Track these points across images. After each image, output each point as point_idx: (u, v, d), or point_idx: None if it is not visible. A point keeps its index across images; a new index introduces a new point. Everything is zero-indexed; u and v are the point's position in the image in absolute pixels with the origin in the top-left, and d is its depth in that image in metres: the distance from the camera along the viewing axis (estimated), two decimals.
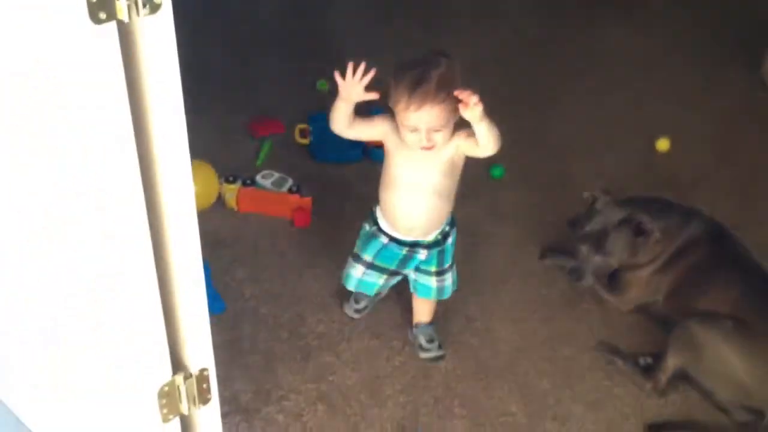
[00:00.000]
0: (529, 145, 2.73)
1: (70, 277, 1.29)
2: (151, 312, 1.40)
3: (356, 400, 1.86)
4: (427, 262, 1.87)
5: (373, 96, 1.64)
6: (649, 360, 1.93)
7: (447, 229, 1.86)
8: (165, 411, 1.52)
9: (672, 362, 1.88)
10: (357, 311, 2.07)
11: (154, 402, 1.49)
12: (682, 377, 1.90)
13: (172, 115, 1.18)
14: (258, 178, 2.45)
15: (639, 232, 2.00)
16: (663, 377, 1.87)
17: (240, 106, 2.84)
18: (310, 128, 2.66)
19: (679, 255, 2.01)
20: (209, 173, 2.35)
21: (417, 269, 1.90)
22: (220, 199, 2.40)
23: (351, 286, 1.96)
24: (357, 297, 2.07)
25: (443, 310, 2.07)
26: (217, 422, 1.65)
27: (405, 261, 1.87)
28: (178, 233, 1.38)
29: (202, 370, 1.54)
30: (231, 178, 2.40)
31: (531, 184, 2.57)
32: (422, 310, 2.01)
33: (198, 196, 2.29)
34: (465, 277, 2.21)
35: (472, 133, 1.66)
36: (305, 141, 2.66)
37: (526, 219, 2.43)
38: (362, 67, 1.62)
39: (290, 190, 2.38)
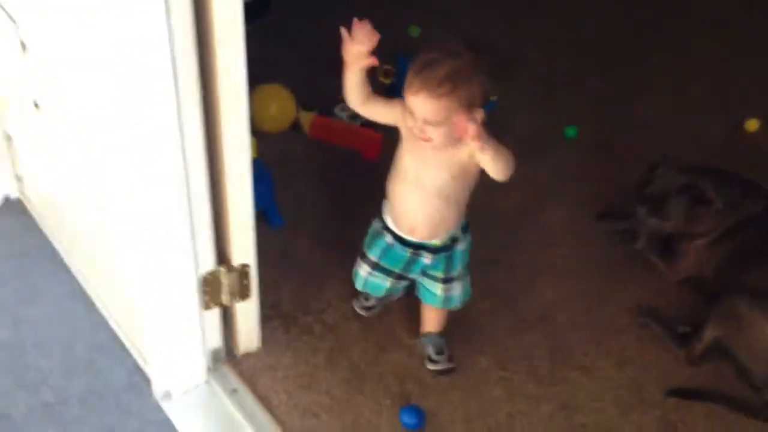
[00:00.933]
0: (610, 111, 2.72)
1: (134, 165, 1.42)
2: (199, 203, 1.53)
3: (390, 321, 1.95)
4: (433, 266, 1.75)
5: (373, 62, 1.52)
6: (687, 329, 1.91)
7: (457, 234, 1.72)
8: (206, 299, 1.66)
9: (710, 333, 1.85)
10: (365, 308, 1.95)
11: (197, 289, 1.62)
12: (717, 351, 1.87)
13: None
14: (336, 109, 2.54)
15: (700, 200, 1.97)
16: (698, 347, 1.86)
17: (329, 42, 2.93)
18: (395, 69, 2.75)
19: (737, 229, 1.97)
20: (287, 98, 2.46)
21: (424, 273, 1.78)
22: (297, 125, 2.53)
23: (359, 286, 1.85)
24: (367, 294, 1.94)
25: (488, 259, 2.12)
26: (254, 319, 1.78)
27: (410, 264, 1.74)
28: (230, 134, 1.49)
29: (244, 266, 1.67)
30: (309, 106, 2.51)
31: (603, 148, 2.55)
32: (430, 319, 1.87)
33: (274, 119, 2.48)
34: (516, 228, 2.27)
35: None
36: (388, 81, 2.74)
37: (590, 181, 2.42)
38: (366, 25, 1.50)
39: (363, 124, 2.46)
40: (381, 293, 1.85)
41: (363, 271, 1.81)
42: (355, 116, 2.52)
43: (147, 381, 1.75)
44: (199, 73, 1.39)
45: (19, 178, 2.13)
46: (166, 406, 1.72)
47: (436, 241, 1.70)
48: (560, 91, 2.85)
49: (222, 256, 1.66)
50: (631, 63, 3.00)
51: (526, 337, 1.94)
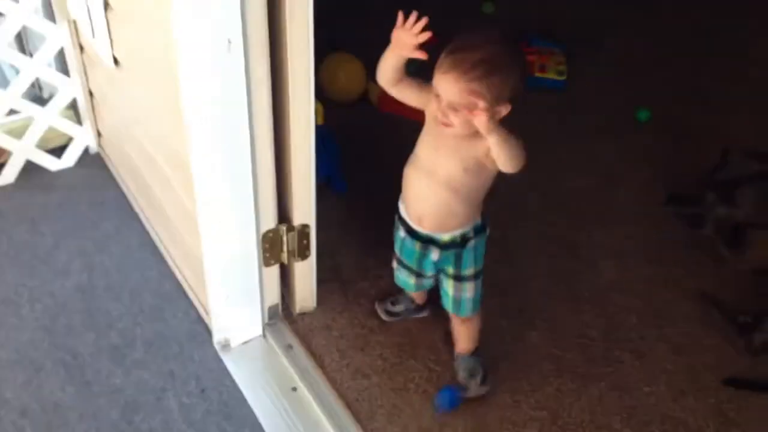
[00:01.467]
0: (685, 96, 2.67)
1: (203, 124, 1.48)
2: (263, 163, 1.59)
3: None
4: (442, 262, 1.66)
5: (422, 55, 1.44)
6: (749, 319, 1.87)
7: (469, 234, 1.62)
8: (267, 255, 1.72)
9: None
10: (388, 313, 1.89)
11: (258, 245, 1.68)
12: None
13: None
14: None
15: None
16: (758, 337, 1.82)
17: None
18: None
19: None
20: (358, 69, 2.50)
21: (439, 270, 1.70)
22: (367, 97, 2.57)
23: (396, 279, 1.80)
24: (396, 299, 1.90)
25: (552, 237, 2.11)
26: (312, 278, 1.83)
27: (420, 259, 1.67)
28: (296, 99, 1.54)
29: (304, 226, 1.72)
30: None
31: (675, 132, 2.51)
32: (459, 336, 1.78)
33: (343, 89, 2.52)
34: (582, 209, 2.26)
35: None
36: None
37: (660, 165, 2.39)
38: (414, 17, 1.42)
39: None
40: (411, 289, 1.82)
41: (394, 263, 1.77)
42: None
43: (208, 331, 1.82)
44: (268, 35, 1.43)
45: (99, 133, 2.24)
46: (224, 356, 1.79)
47: (444, 236, 1.62)
48: (636, 73, 2.80)
49: (283, 215, 1.71)
50: (710, 49, 2.93)
51: (581, 316, 1.93)
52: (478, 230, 1.65)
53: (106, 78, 2.00)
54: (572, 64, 2.75)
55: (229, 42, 1.37)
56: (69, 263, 1.99)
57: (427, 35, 1.40)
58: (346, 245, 2.06)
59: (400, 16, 1.43)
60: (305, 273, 1.81)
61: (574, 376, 1.79)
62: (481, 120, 1.38)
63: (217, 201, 1.58)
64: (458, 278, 1.68)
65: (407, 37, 1.43)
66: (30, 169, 2.19)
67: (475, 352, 1.78)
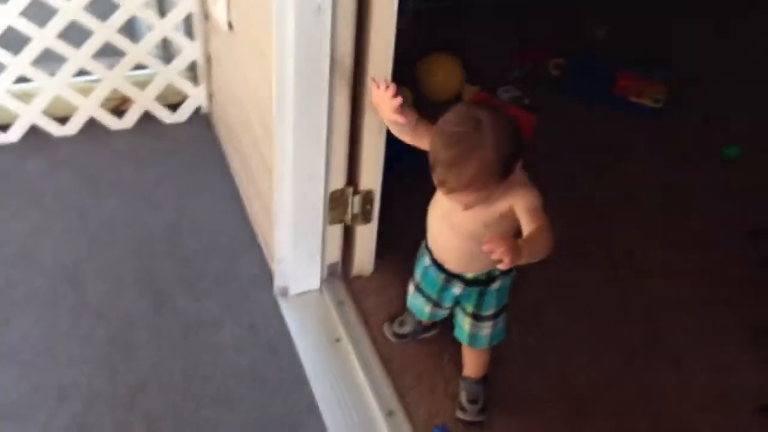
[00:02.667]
0: None
1: (290, 87, 1.63)
2: (338, 128, 1.74)
3: None
4: (464, 298, 1.62)
5: (401, 119, 1.47)
6: None
7: (495, 272, 1.58)
8: (332, 214, 1.86)
9: None
10: (396, 335, 1.87)
11: (325, 203, 1.83)
12: None
13: None
14: (499, 90, 2.67)
15: None
16: None
17: (513, 30, 3.05)
18: (565, 64, 2.82)
19: None
20: (456, 70, 2.63)
21: (457, 303, 1.67)
22: (460, 98, 2.69)
23: (407, 303, 1.77)
24: (403, 319, 1.87)
25: (621, 249, 2.16)
26: (372, 243, 1.97)
27: (442, 291, 1.63)
28: (376, 68, 1.67)
29: (369, 191, 1.85)
30: (474, 81, 2.66)
31: (763, 173, 2.48)
32: (469, 362, 1.75)
33: (440, 88, 2.66)
34: (656, 228, 2.28)
35: (533, 209, 1.40)
36: (556, 73, 2.82)
37: (742, 202, 2.37)
38: (384, 84, 1.46)
39: (517, 104, 2.57)
40: (423, 317, 1.76)
41: (410, 288, 1.74)
42: (517, 99, 2.65)
43: (270, 278, 1.98)
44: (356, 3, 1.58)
45: (211, 95, 2.47)
46: (281, 301, 1.94)
47: (468, 275, 1.58)
48: (735, 112, 2.79)
49: (351, 178, 1.85)
50: None
51: (629, 320, 1.97)
52: (507, 272, 1.57)
53: (221, 43, 2.23)
54: (675, 97, 2.77)
55: (319, 7, 1.54)
56: (163, 202, 2.21)
57: (399, 101, 1.44)
58: (411, 222, 2.16)
59: (372, 82, 1.49)
60: (366, 237, 1.95)
61: (609, 375, 1.84)
62: (505, 262, 1.27)
63: (293, 156, 1.74)
64: (477, 317, 1.64)
65: (384, 102, 1.47)
66: (147, 119, 2.45)
67: (482, 379, 1.75)
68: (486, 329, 1.66)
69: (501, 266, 1.28)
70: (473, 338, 1.67)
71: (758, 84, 2.87)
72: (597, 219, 2.29)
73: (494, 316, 1.65)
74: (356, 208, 1.87)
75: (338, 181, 1.83)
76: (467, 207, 1.43)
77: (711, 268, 2.15)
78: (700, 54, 3.01)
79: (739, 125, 2.70)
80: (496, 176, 1.36)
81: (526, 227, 1.39)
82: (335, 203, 1.85)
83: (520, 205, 1.42)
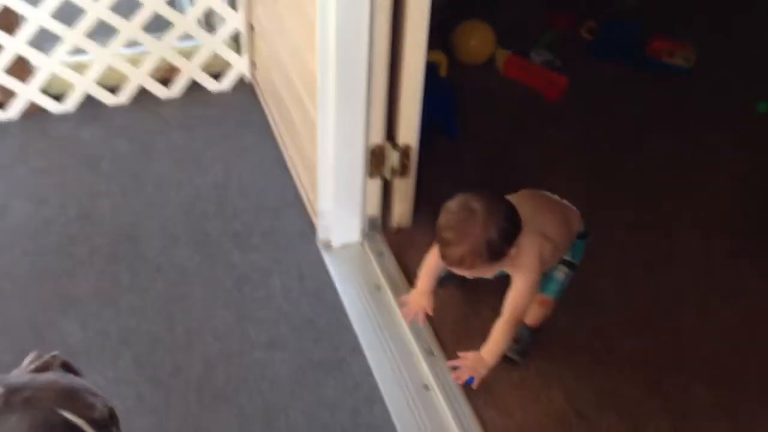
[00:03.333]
0: None
1: (333, 48, 1.74)
2: (378, 86, 1.84)
3: None
4: None
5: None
6: None
7: (558, 264, 1.78)
8: (372, 168, 1.97)
9: None
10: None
11: (365, 157, 1.93)
12: None
13: None
14: (531, 53, 2.74)
15: None
16: None
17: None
18: (597, 27, 2.88)
19: None
20: (488, 34, 2.71)
21: None
22: (493, 62, 2.77)
23: None
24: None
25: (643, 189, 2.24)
26: (410, 196, 2.07)
27: None
28: (412, 35, 1.77)
29: (407, 146, 1.95)
30: (507, 45, 2.73)
31: None
32: (530, 309, 1.83)
33: (473, 52, 2.74)
34: (682, 182, 2.36)
35: (519, 292, 1.64)
36: (589, 37, 2.88)
37: None
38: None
39: (550, 67, 2.64)
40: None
41: None
42: (549, 62, 2.72)
43: (314, 232, 2.10)
44: None
45: (254, 64, 2.58)
46: (325, 254, 2.06)
47: None
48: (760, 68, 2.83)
49: (390, 134, 1.95)
50: None
51: (656, 272, 2.04)
52: (566, 262, 1.78)
53: (264, 11, 2.33)
54: (704, 57, 2.81)
55: None
56: (212, 165, 2.34)
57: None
58: (449, 180, 2.26)
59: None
60: (404, 191, 2.05)
61: (636, 319, 1.92)
62: (475, 383, 1.64)
63: (335, 111, 1.84)
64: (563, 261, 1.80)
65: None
66: (194, 87, 2.57)
67: (533, 327, 1.83)
68: (560, 272, 1.79)
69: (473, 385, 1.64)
70: (546, 278, 1.78)
71: None
72: (623, 175, 2.37)
73: (568, 264, 1.79)
74: (395, 163, 1.97)
75: (378, 137, 1.93)
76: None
77: (735, 219, 2.22)
78: (727, 18, 3.05)
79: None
80: (484, 259, 1.57)
81: (505, 308, 1.66)
82: (375, 158, 1.95)
83: (516, 282, 1.67)
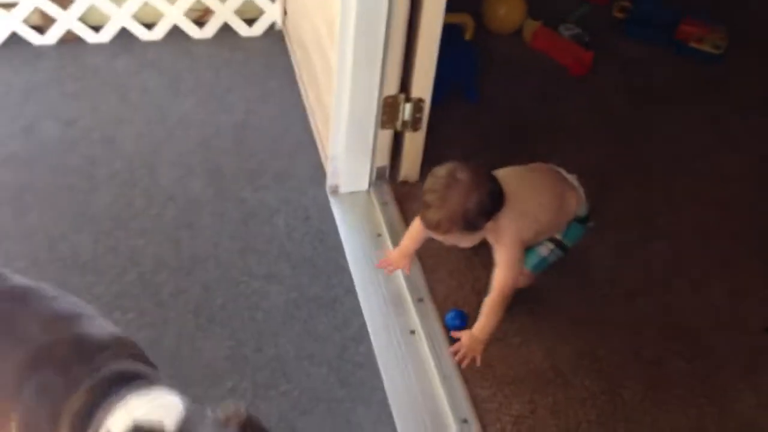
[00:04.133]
0: None
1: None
2: (395, 38, 1.88)
3: None
4: None
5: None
6: None
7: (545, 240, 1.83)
8: (384, 119, 2.02)
9: None
10: None
11: (378, 107, 1.98)
12: None
13: None
14: (561, 27, 2.75)
15: None
16: None
17: None
18: (631, 6, 2.87)
19: None
20: (519, 4, 2.72)
21: None
22: (521, 32, 2.79)
23: None
24: None
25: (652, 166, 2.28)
26: (419, 150, 2.11)
27: None
28: None
29: (420, 100, 2.00)
30: (536, 16, 2.74)
31: None
32: None
33: (502, 21, 2.76)
34: (694, 163, 2.37)
35: (503, 263, 1.69)
36: (621, 16, 2.88)
37: None
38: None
39: (578, 41, 2.65)
40: None
41: None
42: (577, 36, 2.72)
43: (325, 177, 2.16)
44: None
45: (285, 12, 2.64)
46: (332, 198, 2.12)
47: None
48: None
49: (404, 87, 2.00)
50: None
51: (654, 243, 2.07)
52: (578, 219, 1.82)
53: None
54: (735, 44, 2.79)
55: None
56: (234, 105, 2.41)
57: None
58: (460, 141, 2.31)
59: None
60: (414, 144, 2.09)
61: (626, 287, 1.96)
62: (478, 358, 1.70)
63: (352, 60, 1.89)
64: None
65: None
66: (226, 30, 2.64)
67: None
68: (544, 249, 1.83)
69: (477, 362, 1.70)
70: (526, 252, 1.80)
71: None
72: (636, 152, 2.39)
73: (555, 243, 1.83)
74: (407, 115, 2.02)
75: (392, 88, 1.97)
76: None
77: (741, 202, 2.24)
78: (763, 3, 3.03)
79: None
80: (460, 227, 1.63)
81: (493, 287, 1.72)
82: (388, 108, 2.00)
83: (498, 260, 1.72)
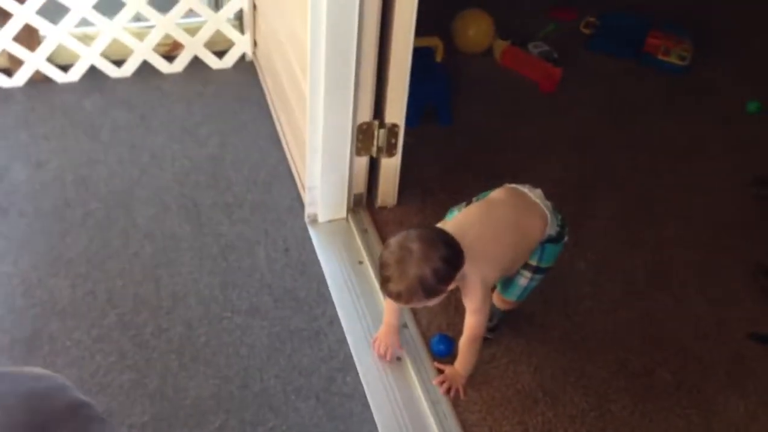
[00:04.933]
0: None
1: (323, 31, 1.79)
2: (366, 66, 1.89)
3: None
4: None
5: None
6: None
7: (521, 269, 1.78)
8: (359, 146, 2.02)
9: None
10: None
11: (352, 135, 1.98)
12: None
13: None
14: (529, 45, 2.78)
15: None
16: None
17: None
18: (597, 22, 2.91)
19: None
20: (487, 24, 2.75)
21: None
22: (491, 52, 2.82)
23: None
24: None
25: (630, 189, 2.31)
26: (395, 176, 2.12)
27: None
28: (401, 11, 1.82)
29: (394, 125, 2.01)
30: (505, 36, 2.78)
31: None
32: (497, 299, 1.88)
33: (471, 41, 2.79)
34: (667, 175, 2.39)
35: (471, 311, 1.67)
36: (588, 31, 2.92)
37: (758, 153, 2.47)
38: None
39: (546, 59, 2.68)
40: None
41: None
42: (546, 53, 2.76)
43: (303, 207, 2.15)
44: None
45: (255, 43, 2.64)
46: (311, 228, 2.11)
47: None
48: (759, 69, 2.86)
49: (377, 113, 2.00)
50: None
51: (633, 259, 2.09)
52: (531, 269, 1.77)
53: None
54: (700, 55, 2.84)
55: None
56: (208, 138, 2.40)
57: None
58: (436, 163, 2.33)
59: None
60: (390, 170, 2.10)
61: (608, 301, 1.97)
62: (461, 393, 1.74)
63: (325, 89, 1.89)
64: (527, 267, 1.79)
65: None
66: (196, 63, 2.64)
67: (503, 311, 1.87)
68: (523, 279, 1.79)
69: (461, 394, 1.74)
70: (506, 284, 1.81)
71: None
72: (611, 165, 2.41)
73: (533, 270, 1.77)
74: (382, 141, 2.02)
75: (365, 115, 1.98)
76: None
77: (718, 211, 2.27)
78: (725, 14, 3.08)
79: (764, 80, 2.78)
80: (420, 296, 1.60)
81: (465, 330, 1.71)
82: (362, 135, 2.01)
83: (468, 305, 1.69)
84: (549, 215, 1.72)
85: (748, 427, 1.73)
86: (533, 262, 1.75)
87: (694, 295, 2.00)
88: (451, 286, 1.62)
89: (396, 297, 1.61)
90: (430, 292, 1.59)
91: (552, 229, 1.72)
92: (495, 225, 1.71)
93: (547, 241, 1.73)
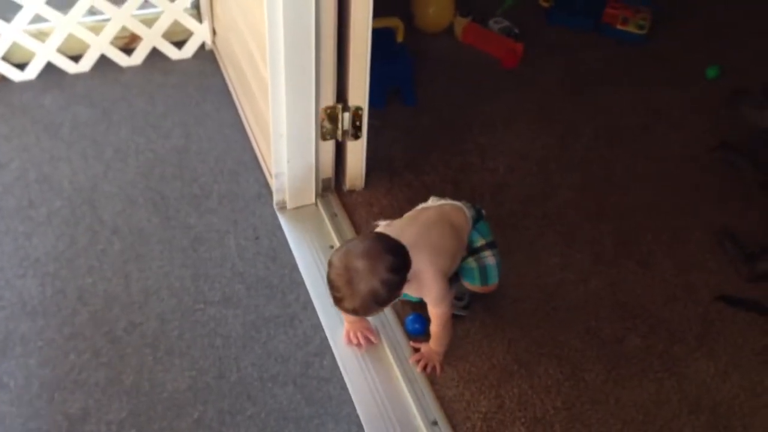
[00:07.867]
0: (760, 62, 2.74)
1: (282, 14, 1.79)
2: (326, 49, 1.88)
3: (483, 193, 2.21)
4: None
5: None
6: (756, 250, 1.98)
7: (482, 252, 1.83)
8: (324, 130, 2.01)
9: None
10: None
11: (317, 119, 1.98)
12: None
13: None
14: (490, 21, 2.78)
15: None
16: (761, 266, 1.93)
17: None
18: None
19: None
20: (447, 2, 2.75)
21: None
22: (451, 29, 2.82)
23: None
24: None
25: (593, 156, 2.34)
26: (362, 158, 2.12)
27: None
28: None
29: (358, 108, 2.00)
30: (465, 13, 2.78)
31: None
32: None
33: (431, 21, 2.77)
34: (630, 143, 2.42)
35: (433, 301, 1.70)
36: (547, 5, 2.93)
37: (718, 117, 2.50)
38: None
39: (507, 34, 2.69)
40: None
41: None
42: (506, 29, 2.76)
43: (271, 195, 2.15)
44: None
45: (214, 32, 2.61)
46: (280, 215, 2.11)
47: None
48: (718, 37, 2.89)
49: (341, 96, 2.00)
50: None
51: (600, 226, 2.12)
52: (476, 221, 1.84)
53: None
54: (659, 23, 2.86)
55: None
56: (171, 130, 2.37)
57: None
58: (402, 144, 2.33)
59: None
60: (357, 153, 2.10)
61: (578, 271, 2.00)
62: (438, 370, 1.77)
63: (285, 74, 1.87)
64: (473, 252, 1.84)
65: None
66: (155, 55, 2.60)
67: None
68: (489, 258, 1.83)
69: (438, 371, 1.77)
70: (483, 271, 1.83)
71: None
72: (575, 137, 2.43)
73: (488, 246, 1.83)
74: (346, 125, 2.02)
75: (329, 99, 1.97)
76: None
77: (682, 177, 2.31)
78: None
79: (722, 46, 2.81)
80: (375, 308, 1.63)
81: (432, 320, 1.76)
82: (327, 119, 2.00)
83: (428, 298, 1.72)
84: (462, 205, 1.83)
85: (720, 388, 1.77)
86: (482, 242, 1.83)
87: (661, 261, 2.03)
88: (405, 288, 1.64)
89: (353, 313, 1.65)
90: (385, 302, 1.62)
91: (471, 213, 1.83)
92: (426, 222, 1.78)
93: (474, 222, 1.82)
